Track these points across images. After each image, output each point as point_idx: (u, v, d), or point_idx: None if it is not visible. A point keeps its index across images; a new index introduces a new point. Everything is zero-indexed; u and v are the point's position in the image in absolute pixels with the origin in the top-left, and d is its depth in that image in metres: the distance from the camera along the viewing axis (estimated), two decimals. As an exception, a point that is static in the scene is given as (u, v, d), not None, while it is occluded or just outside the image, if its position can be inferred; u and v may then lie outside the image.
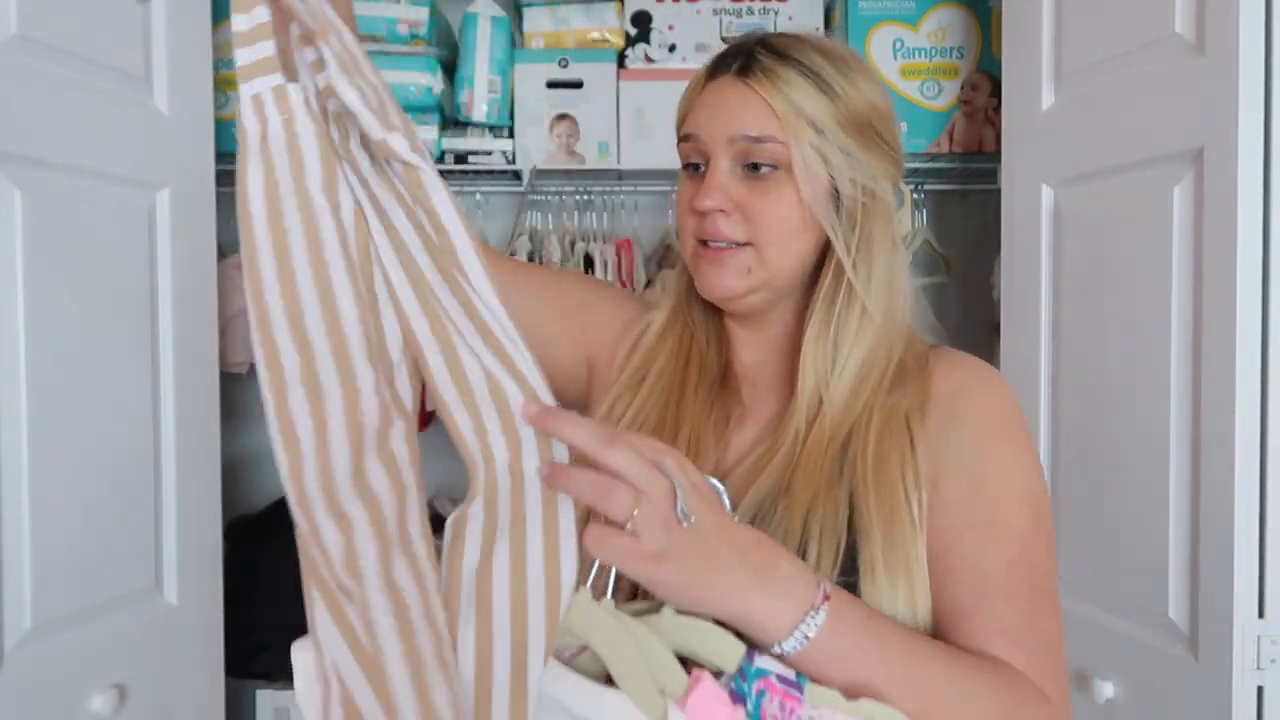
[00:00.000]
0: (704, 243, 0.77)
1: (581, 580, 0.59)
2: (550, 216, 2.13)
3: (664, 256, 2.10)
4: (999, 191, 1.58)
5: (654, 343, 0.85)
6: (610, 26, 1.97)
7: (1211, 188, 1.11)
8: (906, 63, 1.93)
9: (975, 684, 0.63)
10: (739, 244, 0.76)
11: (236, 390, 2.12)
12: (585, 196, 2.11)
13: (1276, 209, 1.07)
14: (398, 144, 0.54)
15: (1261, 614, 1.08)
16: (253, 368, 2.02)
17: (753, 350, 0.85)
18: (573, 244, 2.05)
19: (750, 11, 1.98)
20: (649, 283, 2.03)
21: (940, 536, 0.71)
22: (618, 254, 2.03)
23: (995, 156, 1.73)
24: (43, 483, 1.16)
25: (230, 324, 1.90)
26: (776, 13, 1.97)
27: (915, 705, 0.60)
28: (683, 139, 0.80)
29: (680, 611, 0.59)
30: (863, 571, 0.68)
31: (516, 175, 2.01)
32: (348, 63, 0.54)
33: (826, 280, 0.78)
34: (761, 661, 0.58)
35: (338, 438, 0.56)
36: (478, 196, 2.13)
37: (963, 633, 0.68)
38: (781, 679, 0.57)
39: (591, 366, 0.88)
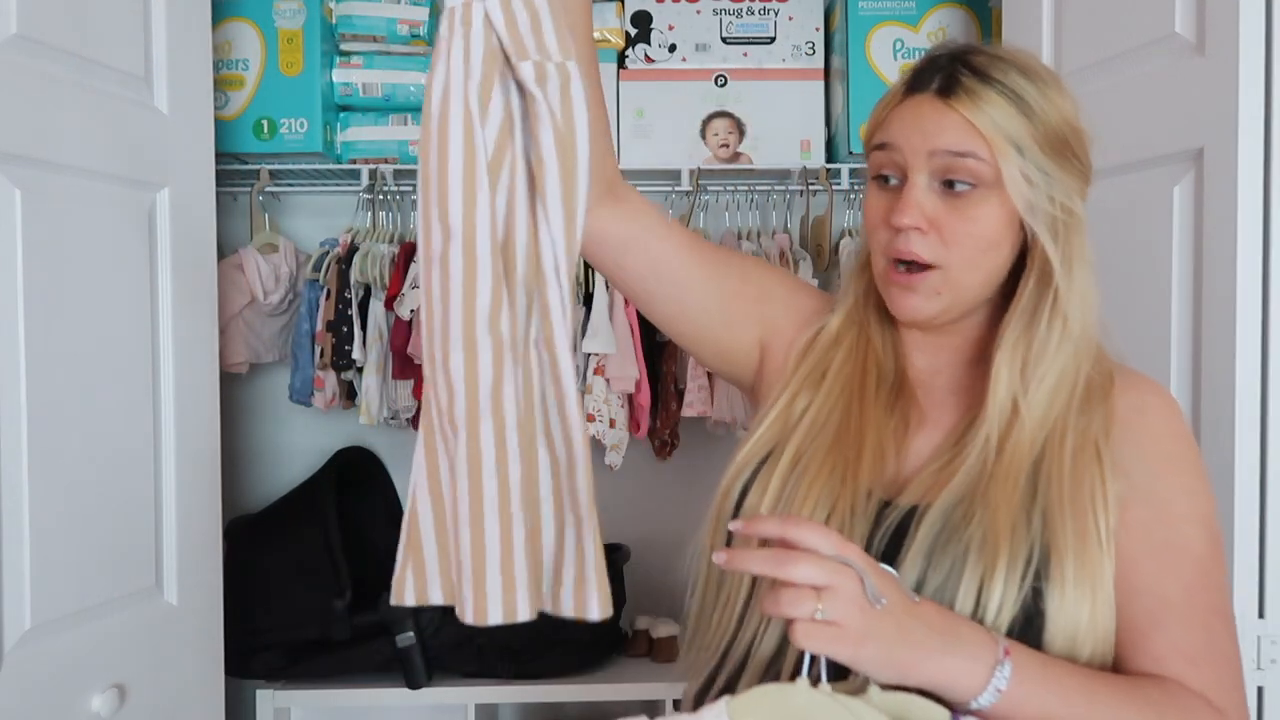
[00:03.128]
0: (895, 263, 0.79)
1: (795, 672, 0.64)
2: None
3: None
4: (999, 191, 1.58)
5: (830, 343, 0.87)
6: (610, 26, 1.96)
7: (1211, 188, 1.11)
8: (907, 63, 1.93)
9: (1148, 713, 0.69)
10: (927, 266, 0.77)
11: (236, 390, 2.12)
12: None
13: (1276, 209, 1.07)
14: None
15: (1261, 614, 1.08)
16: (253, 367, 2.02)
17: (929, 356, 0.86)
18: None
19: (750, 11, 1.98)
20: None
21: (1122, 557, 0.74)
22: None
23: (995, 156, 1.73)
24: (43, 482, 1.16)
25: (230, 324, 1.90)
26: (776, 13, 1.97)
27: None
28: (877, 147, 0.80)
29: (884, 686, 0.64)
30: (1051, 583, 0.71)
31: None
32: None
33: (1026, 292, 0.79)
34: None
35: (456, 304, 0.65)
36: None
37: (1140, 651, 0.73)
38: None
39: (765, 351, 0.91)
